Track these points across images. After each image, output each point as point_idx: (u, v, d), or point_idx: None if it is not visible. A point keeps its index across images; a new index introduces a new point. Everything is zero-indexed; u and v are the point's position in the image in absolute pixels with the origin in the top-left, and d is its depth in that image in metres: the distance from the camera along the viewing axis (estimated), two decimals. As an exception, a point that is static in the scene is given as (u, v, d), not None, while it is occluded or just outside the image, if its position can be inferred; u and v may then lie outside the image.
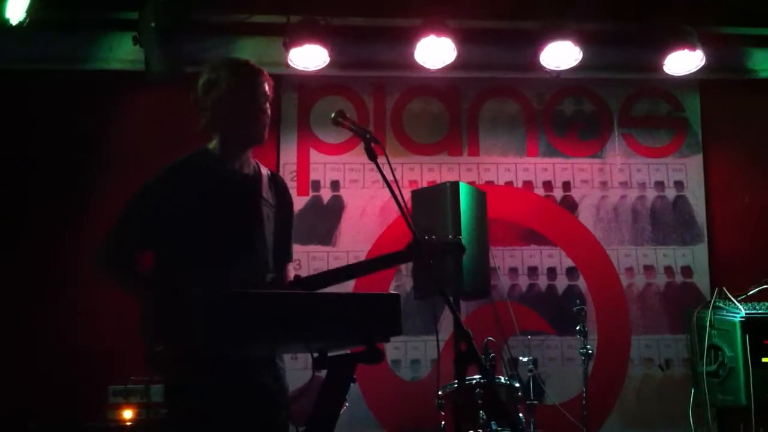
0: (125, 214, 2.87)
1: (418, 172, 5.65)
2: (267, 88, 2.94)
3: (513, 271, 5.58)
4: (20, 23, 4.54)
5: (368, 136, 2.84)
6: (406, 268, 5.26)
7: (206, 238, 2.79)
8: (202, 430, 2.70)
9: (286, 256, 3.08)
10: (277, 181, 3.09)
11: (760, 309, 4.71)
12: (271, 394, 2.84)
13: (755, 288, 4.80)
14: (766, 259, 5.42)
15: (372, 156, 2.81)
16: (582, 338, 4.59)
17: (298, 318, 2.43)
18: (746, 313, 4.60)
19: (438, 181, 5.47)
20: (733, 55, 5.87)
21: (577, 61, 5.38)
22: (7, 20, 4.53)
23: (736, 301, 4.73)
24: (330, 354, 2.68)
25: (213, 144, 2.95)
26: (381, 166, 2.74)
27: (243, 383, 2.73)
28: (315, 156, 5.62)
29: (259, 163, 3.05)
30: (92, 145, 5.33)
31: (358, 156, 5.52)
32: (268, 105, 2.95)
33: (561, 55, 5.39)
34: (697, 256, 5.67)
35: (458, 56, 5.27)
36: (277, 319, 2.40)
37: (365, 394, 5.16)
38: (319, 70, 5.28)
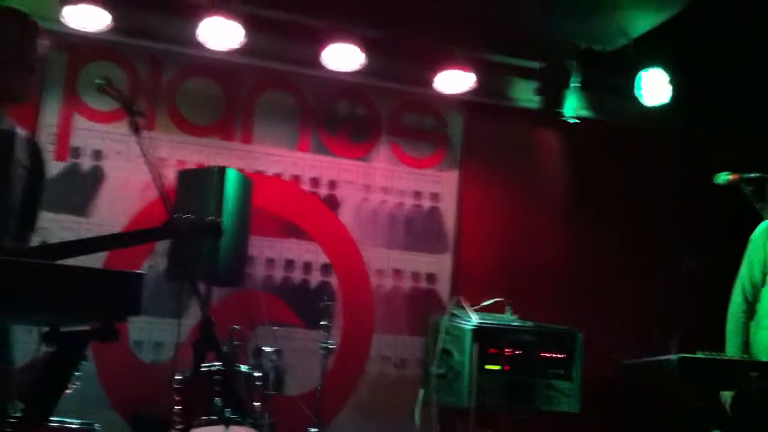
0: None
1: (188, 152, 5.56)
2: (35, 41, 2.76)
3: (270, 262, 5.65)
4: None
5: (133, 108, 2.78)
6: (161, 248, 5.14)
7: None
8: None
9: (30, 224, 2.93)
10: (32, 143, 2.92)
11: (490, 320, 5.08)
12: None
13: (489, 300, 5.17)
14: (503, 274, 5.91)
15: (135, 129, 2.76)
16: (325, 333, 4.75)
17: (30, 288, 2.28)
18: (477, 323, 4.93)
19: (207, 164, 5.41)
20: (498, 82, 6.31)
21: (359, 66, 5.57)
22: None
23: (469, 311, 5.07)
24: (62, 329, 2.60)
25: None
26: (144, 141, 2.69)
27: None
28: (79, 121, 5.36)
29: (15, 122, 2.87)
30: None
31: (125, 127, 5.31)
32: (32, 60, 2.76)
33: (343, 57, 5.56)
34: (442, 265, 6.04)
35: (244, 42, 5.26)
36: (6, 288, 2.24)
37: (100, 373, 4.98)
38: (95, 32, 5.06)
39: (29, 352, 2.76)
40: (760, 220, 4.23)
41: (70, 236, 4.96)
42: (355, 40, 5.47)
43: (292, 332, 5.44)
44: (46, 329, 2.50)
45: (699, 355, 3.68)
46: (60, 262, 2.72)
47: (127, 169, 5.36)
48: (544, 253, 6.12)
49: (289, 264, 5.69)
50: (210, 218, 2.90)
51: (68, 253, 2.76)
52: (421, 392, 5.10)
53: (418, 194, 6.11)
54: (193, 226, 2.85)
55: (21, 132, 2.88)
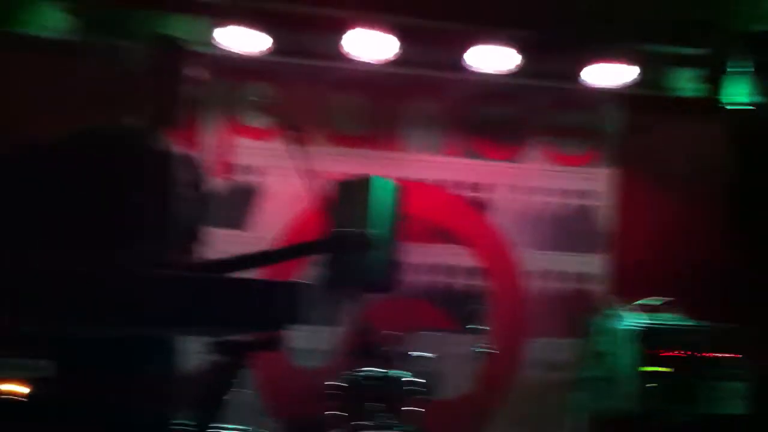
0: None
1: (339, 163, 5.66)
2: (193, 67, 2.93)
3: (422, 267, 5.71)
4: None
5: (290, 123, 2.87)
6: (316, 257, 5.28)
7: (118, 217, 2.74)
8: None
9: (194, 238, 3.08)
10: (192, 160, 3.07)
11: (650, 320, 4.91)
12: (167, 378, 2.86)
13: (647, 301, 5.00)
14: (660, 275, 5.64)
15: (292, 144, 2.84)
16: (477, 337, 4.75)
17: (198, 302, 2.39)
18: (636, 323, 4.78)
19: (356, 174, 5.51)
20: (656, 71, 6.02)
21: (506, 67, 5.51)
22: None
23: (627, 311, 4.92)
24: (226, 338, 2.72)
25: (136, 119, 2.91)
26: (301, 154, 2.76)
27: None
28: (236, 140, 5.64)
29: (180, 143, 3.03)
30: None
31: (279, 142, 5.52)
32: (189, 86, 2.93)
33: (489, 58, 5.52)
34: (595, 265, 5.89)
35: (390, 52, 5.36)
36: (175, 302, 2.35)
37: (256, 378, 5.18)
38: (249, 53, 5.30)
39: (194, 361, 2.93)
40: None
41: (231, 250, 5.23)
42: (501, 40, 5.41)
43: (444, 337, 5.44)
44: (210, 339, 2.65)
45: None
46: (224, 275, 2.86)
47: (281, 184, 5.57)
48: (708, 251, 5.81)
49: (441, 269, 5.73)
50: (375, 232, 2.94)
51: (237, 267, 2.88)
52: (576, 396, 4.98)
53: (570, 193, 5.98)
54: (361, 240, 2.89)
55: (180, 150, 3.02)
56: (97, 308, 2.26)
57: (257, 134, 5.62)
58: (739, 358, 4.73)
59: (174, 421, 2.73)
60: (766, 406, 4.75)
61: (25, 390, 4.14)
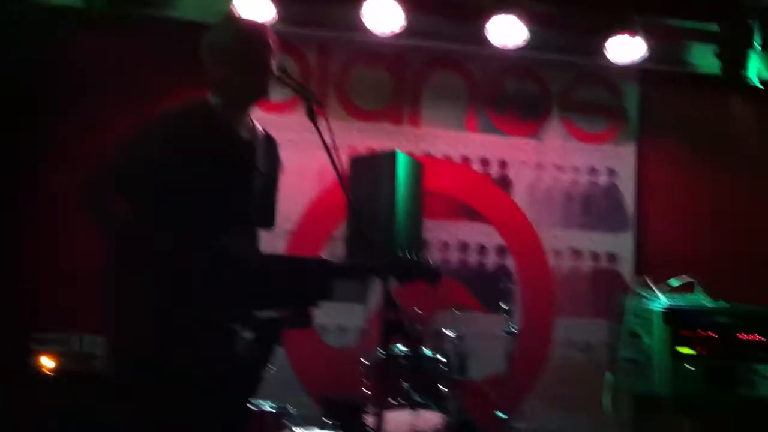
0: (117, 159, 2.70)
1: (358, 138, 5.58)
2: (270, 41, 2.83)
3: (444, 245, 5.59)
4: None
5: (311, 97, 2.78)
6: (342, 233, 5.19)
7: (196, 206, 2.66)
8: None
9: (261, 223, 2.97)
10: (270, 143, 3.01)
11: (680, 301, 4.82)
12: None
13: (678, 280, 4.90)
14: (689, 253, 5.54)
15: (313, 118, 2.75)
16: (507, 316, 4.62)
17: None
18: (667, 304, 4.69)
19: (377, 149, 5.40)
20: (675, 48, 5.94)
21: (524, 41, 5.41)
22: None
23: (658, 291, 4.82)
24: (258, 315, 2.64)
25: (214, 99, 2.82)
26: (321, 129, 2.68)
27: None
28: (254, 112, 5.47)
29: (254, 121, 2.94)
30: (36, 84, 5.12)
31: (299, 116, 5.38)
32: (271, 59, 2.82)
33: (508, 32, 5.41)
34: (623, 244, 5.77)
35: (407, 24, 5.24)
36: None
37: (291, 357, 5.09)
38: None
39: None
40: None
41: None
42: (518, 13, 5.31)
43: (472, 316, 5.31)
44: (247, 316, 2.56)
45: None
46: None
47: (302, 158, 5.42)
48: (737, 229, 5.73)
49: (465, 247, 5.61)
50: (430, 262, 2.89)
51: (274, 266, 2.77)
52: (609, 377, 4.89)
53: (593, 171, 5.86)
54: (412, 270, 2.82)
55: (260, 132, 2.94)
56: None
57: (275, 108, 5.47)
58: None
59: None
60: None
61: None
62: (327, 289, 2.72)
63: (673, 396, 4.44)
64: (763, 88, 5.79)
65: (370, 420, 3.91)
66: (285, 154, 5.29)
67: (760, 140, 6.05)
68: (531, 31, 5.39)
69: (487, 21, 5.39)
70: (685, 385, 4.47)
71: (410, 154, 5.17)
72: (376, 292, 4.93)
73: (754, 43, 5.72)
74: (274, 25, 5.15)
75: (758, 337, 4.64)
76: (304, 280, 2.71)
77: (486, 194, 5.73)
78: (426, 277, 2.80)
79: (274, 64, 2.82)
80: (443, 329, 4.42)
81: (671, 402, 4.44)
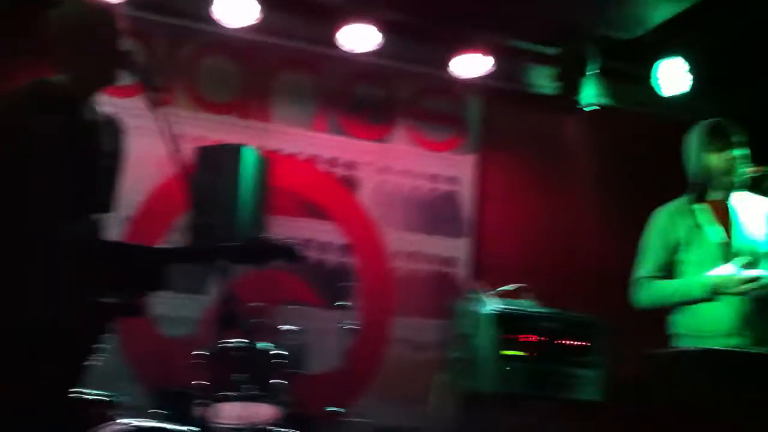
0: None
1: (206, 129, 5.49)
2: (117, 24, 2.77)
3: (289, 241, 5.59)
4: None
5: (154, 84, 2.73)
6: (183, 223, 5.08)
7: (34, 190, 2.56)
8: None
9: (99, 207, 2.85)
10: (114, 126, 2.92)
11: (509, 305, 5.03)
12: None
13: (508, 286, 5.12)
14: (522, 261, 5.83)
15: (152, 104, 2.71)
16: (346, 313, 4.69)
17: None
18: (495, 307, 4.88)
19: (224, 142, 5.34)
20: (517, 67, 6.26)
21: (376, 47, 5.54)
22: None
23: (488, 295, 5.02)
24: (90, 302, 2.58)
25: (62, 79, 2.69)
26: (161, 117, 2.65)
27: None
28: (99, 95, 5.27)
29: (98, 103, 2.84)
30: None
31: (142, 101, 5.24)
32: (117, 42, 2.75)
33: (360, 38, 5.54)
34: (460, 249, 6.00)
35: (261, 20, 5.25)
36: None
37: (123, 346, 4.94)
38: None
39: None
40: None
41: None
42: (372, 20, 5.44)
43: (312, 312, 5.33)
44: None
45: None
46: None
47: (143, 146, 5.26)
48: (566, 240, 6.06)
49: (308, 243, 5.63)
50: (286, 241, 2.89)
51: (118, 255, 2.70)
52: (439, 376, 5.05)
53: (435, 177, 6.06)
54: (267, 250, 2.81)
55: (103, 116, 2.85)
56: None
57: (118, 91, 5.29)
58: (589, 346, 4.92)
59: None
60: (612, 393, 4.98)
61: None
62: (161, 278, 2.68)
63: (498, 394, 4.64)
64: (593, 110, 6.18)
65: (200, 411, 3.86)
66: (129, 140, 5.23)
67: (590, 160, 6.44)
68: (383, 39, 5.53)
69: (342, 25, 5.49)
70: (509, 384, 4.69)
71: (258, 149, 5.15)
72: (215, 283, 4.84)
73: (589, 68, 6.11)
74: (122, 8, 5.04)
75: (579, 343, 4.94)
76: (137, 268, 2.66)
77: (331, 193, 5.80)
78: (285, 257, 2.78)
79: (120, 47, 2.74)
80: (282, 323, 4.41)
81: (496, 399, 4.64)
